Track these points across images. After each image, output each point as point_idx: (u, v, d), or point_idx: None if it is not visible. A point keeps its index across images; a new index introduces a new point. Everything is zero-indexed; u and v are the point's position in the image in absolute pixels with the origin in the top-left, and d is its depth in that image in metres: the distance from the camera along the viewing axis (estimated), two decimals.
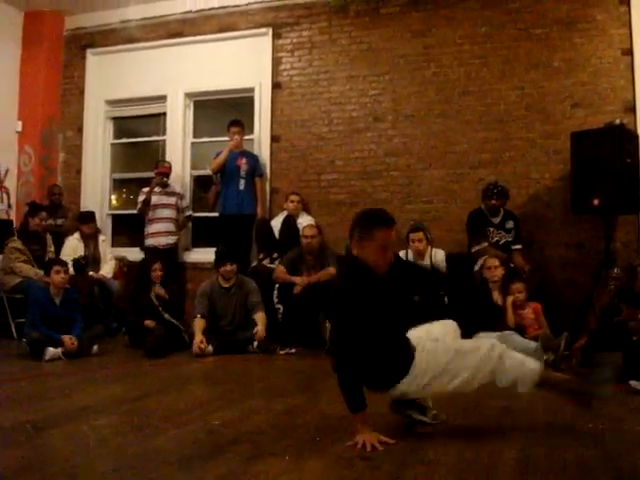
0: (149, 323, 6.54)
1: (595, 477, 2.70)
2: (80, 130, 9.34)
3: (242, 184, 7.92)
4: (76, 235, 8.06)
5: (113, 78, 9.24)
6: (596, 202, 6.35)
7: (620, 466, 2.83)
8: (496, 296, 6.21)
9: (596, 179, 6.36)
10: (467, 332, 6.01)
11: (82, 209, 8.87)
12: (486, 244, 6.79)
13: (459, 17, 7.70)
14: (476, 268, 6.60)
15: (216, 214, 8.16)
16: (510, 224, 6.93)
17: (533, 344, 5.47)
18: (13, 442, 3.16)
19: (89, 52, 9.39)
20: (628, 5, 7.07)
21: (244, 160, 7.98)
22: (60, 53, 9.48)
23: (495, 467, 2.78)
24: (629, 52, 7.04)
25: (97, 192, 9.26)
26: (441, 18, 7.78)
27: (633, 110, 6.99)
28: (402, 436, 3.19)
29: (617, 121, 6.53)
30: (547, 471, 2.72)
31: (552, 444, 3.11)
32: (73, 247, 7.94)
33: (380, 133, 7.93)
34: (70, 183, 9.28)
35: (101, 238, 8.30)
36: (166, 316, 6.69)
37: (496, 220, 6.91)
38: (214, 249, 7.34)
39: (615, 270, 6.23)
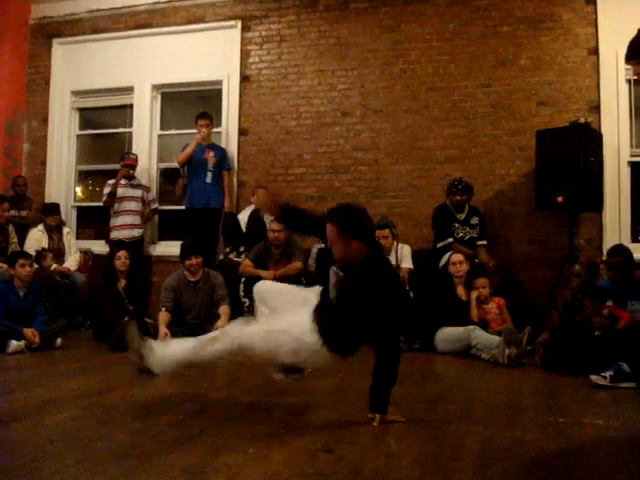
0: (125, 323, 6.46)
1: (555, 469, 2.74)
2: (45, 121, 9.23)
3: (209, 177, 7.89)
4: (40, 227, 7.98)
5: (80, 68, 9.13)
6: (560, 199, 6.44)
7: (580, 458, 2.89)
8: (460, 291, 6.28)
9: (560, 177, 6.46)
10: (432, 326, 6.12)
11: (47, 201, 8.77)
12: (451, 240, 6.85)
13: (428, 13, 7.74)
14: (441, 263, 6.65)
15: (183, 207, 8.11)
16: (475, 220, 7.00)
17: (496, 338, 5.54)
18: None
19: (55, 42, 9.26)
20: (594, 5, 7.16)
21: (211, 153, 7.95)
22: (26, 42, 9.35)
23: (457, 459, 2.81)
24: (595, 52, 7.14)
25: (62, 183, 9.16)
26: (410, 14, 7.81)
27: (598, 109, 7.09)
28: (365, 428, 3.21)
29: (582, 120, 6.63)
30: (508, 463, 2.76)
31: (513, 437, 3.16)
32: (37, 239, 7.86)
33: (348, 128, 7.95)
34: (35, 174, 9.16)
35: (65, 230, 8.23)
36: (132, 308, 6.65)
37: (461, 216, 6.97)
38: (181, 242, 7.30)
39: (576, 267, 6.32)
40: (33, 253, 7.18)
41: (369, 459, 2.79)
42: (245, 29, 8.42)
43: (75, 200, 9.33)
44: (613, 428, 3.41)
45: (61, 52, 9.27)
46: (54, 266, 7.58)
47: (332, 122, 8.01)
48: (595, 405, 4.02)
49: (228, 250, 7.50)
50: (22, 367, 5.35)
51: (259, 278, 6.73)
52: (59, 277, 7.53)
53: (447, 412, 3.74)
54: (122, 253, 6.91)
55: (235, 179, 8.28)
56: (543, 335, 5.78)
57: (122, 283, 6.82)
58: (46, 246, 7.80)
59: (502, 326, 5.84)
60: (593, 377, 4.50)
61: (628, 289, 5.39)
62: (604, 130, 6.92)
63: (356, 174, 7.87)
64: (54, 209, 8.16)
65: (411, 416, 3.52)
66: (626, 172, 7.04)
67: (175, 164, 8.21)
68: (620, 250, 5.68)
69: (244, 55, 8.41)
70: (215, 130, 8.33)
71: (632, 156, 7.06)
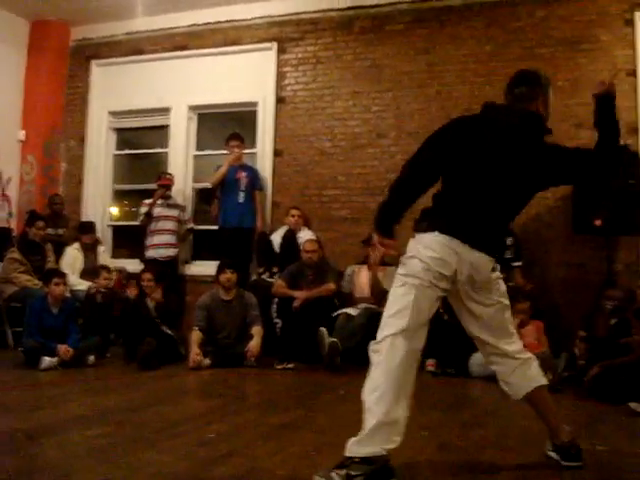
0: (150, 341, 6.47)
1: None
2: (83, 140, 9.34)
3: (242, 197, 7.90)
4: (76, 245, 8.02)
5: (117, 89, 9.25)
6: (598, 222, 6.33)
7: None
8: None
9: (598, 199, 6.35)
10: (466, 350, 6.01)
11: (83, 219, 8.85)
12: None
13: (463, 35, 7.71)
14: None
15: (217, 227, 8.12)
16: (509, 240, 6.88)
17: None
18: (4, 450, 3.12)
19: (94, 63, 9.40)
20: (633, 26, 7.07)
21: (244, 173, 7.97)
22: (65, 63, 9.50)
23: None
24: (633, 73, 7.03)
25: (98, 203, 9.25)
26: (445, 36, 7.79)
27: (636, 131, 6.98)
28: (395, 451, 3.15)
29: (620, 142, 6.51)
30: None
31: (549, 464, 3.08)
32: (73, 257, 7.90)
33: (383, 149, 7.91)
34: (71, 193, 9.26)
35: (101, 249, 8.28)
36: (163, 328, 6.64)
37: None
38: (214, 262, 7.30)
39: (609, 292, 6.21)
40: (68, 271, 7.25)
41: None
42: (281, 51, 8.47)
43: (111, 219, 9.41)
44: None
45: (99, 73, 9.40)
46: (89, 284, 7.59)
47: (367, 144, 7.99)
48: (635, 433, 3.92)
49: (261, 270, 7.50)
50: (54, 383, 5.37)
51: (292, 299, 6.74)
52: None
53: (482, 438, 3.66)
54: (147, 275, 6.94)
55: (269, 200, 8.28)
56: (580, 361, 5.67)
57: (152, 302, 6.84)
58: (82, 265, 7.86)
59: (539, 350, 5.74)
60: (632, 404, 4.39)
61: None
62: None
63: None
64: (90, 227, 8.23)
65: (445, 442, 3.45)
66: None
67: (209, 185, 8.24)
68: None
69: (280, 77, 8.44)
70: (250, 151, 8.38)
71: None
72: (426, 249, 2.89)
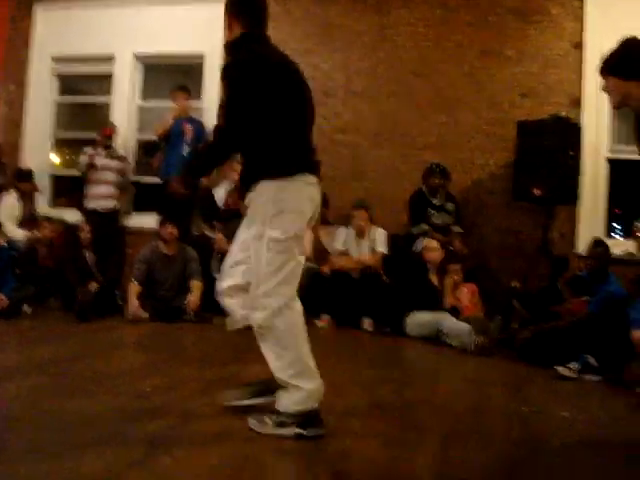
0: (92, 286, 6.41)
1: (517, 457, 2.76)
2: (23, 85, 9.05)
3: (186, 150, 7.78)
4: (13, 193, 7.83)
5: (61, 34, 8.93)
6: (537, 191, 6.46)
7: (541, 447, 2.91)
8: (433, 277, 6.29)
9: (538, 169, 6.47)
10: (404, 310, 6.12)
11: (22, 167, 8.62)
12: (426, 227, 6.82)
13: None
14: (418, 249, 6.63)
15: (159, 180, 8.01)
16: (450, 206, 7.00)
17: (466, 326, 5.56)
18: None
19: (37, 6, 9.07)
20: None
21: (189, 126, 7.84)
22: (6, 5, 9.15)
23: (422, 443, 2.82)
24: (579, 46, 7.13)
25: (38, 150, 9.00)
26: None
27: (579, 103, 7.10)
28: (328, 409, 3.20)
29: (562, 113, 6.64)
30: (472, 448, 2.78)
31: (477, 423, 3.18)
32: (10, 205, 7.71)
33: (330, 109, 7.87)
34: (10, 139, 8.98)
35: (38, 197, 8.09)
36: (101, 279, 6.59)
37: (437, 202, 6.96)
38: (156, 215, 7.22)
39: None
40: (8, 221, 7.10)
41: (333, 439, 2.79)
42: None
43: (51, 167, 9.19)
44: (578, 421, 3.44)
45: (43, 17, 9.05)
46: (25, 233, 7.43)
47: (314, 102, 7.92)
48: (559, 396, 4.06)
49: (203, 225, 7.45)
50: None
51: None
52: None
53: (413, 396, 3.75)
54: (86, 227, 6.85)
55: None
56: (513, 324, 5.85)
57: (91, 255, 6.77)
58: (20, 213, 7.68)
59: (472, 314, 5.88)
60: (559, 368, 4.54)
61: (599, 283, 5.44)
62: (584, 125, 6.90)
63: (335, 155, 7.78)
64: (27, 175, 8.00)
65: (378, 399, 3.53)
66: (604, 168, 7.05)
67: (154, 136, 8.10)
68: (602, 243, 5.86)
69: None
70: (196, 104, 8.24)
71: (610, 152, 7.07)
72: (301, 196, 2.87)
